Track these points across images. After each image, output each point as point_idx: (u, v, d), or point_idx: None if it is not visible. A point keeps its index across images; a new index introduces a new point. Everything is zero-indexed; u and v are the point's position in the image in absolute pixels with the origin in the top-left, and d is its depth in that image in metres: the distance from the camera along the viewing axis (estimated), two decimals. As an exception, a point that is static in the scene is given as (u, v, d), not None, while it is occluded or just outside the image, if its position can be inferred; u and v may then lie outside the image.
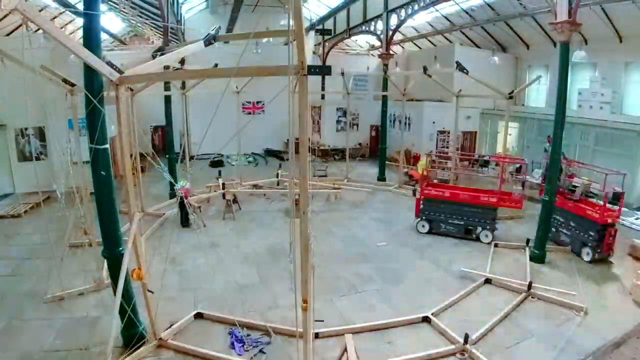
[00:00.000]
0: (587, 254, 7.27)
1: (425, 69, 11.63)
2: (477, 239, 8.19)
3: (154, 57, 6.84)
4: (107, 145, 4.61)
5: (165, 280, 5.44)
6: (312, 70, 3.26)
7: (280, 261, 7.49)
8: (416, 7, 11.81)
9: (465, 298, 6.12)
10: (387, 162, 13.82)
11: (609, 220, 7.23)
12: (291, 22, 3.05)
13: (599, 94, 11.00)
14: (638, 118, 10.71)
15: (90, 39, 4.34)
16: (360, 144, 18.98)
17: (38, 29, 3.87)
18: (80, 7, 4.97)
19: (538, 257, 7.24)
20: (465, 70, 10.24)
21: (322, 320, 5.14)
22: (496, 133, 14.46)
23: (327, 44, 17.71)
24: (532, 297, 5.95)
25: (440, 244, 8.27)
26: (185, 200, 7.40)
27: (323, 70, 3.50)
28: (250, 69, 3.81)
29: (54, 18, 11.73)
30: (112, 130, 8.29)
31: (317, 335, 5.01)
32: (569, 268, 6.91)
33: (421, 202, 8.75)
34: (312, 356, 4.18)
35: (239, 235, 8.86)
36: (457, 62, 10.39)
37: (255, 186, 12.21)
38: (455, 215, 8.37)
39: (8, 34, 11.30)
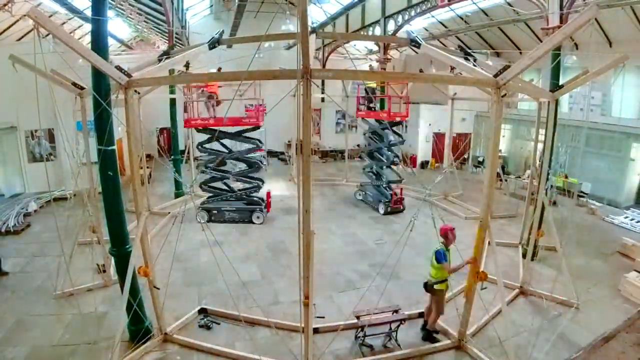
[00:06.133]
0: (381, 208, 10.31)
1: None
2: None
3: (159, 60, 7.03)
4: (115, 147, 4.77)
5: (171, 277, 5.60)
6: (318, 74, 3.46)
7: (280, 258, 7.69)
8: (413, 13, 12.10)
9: (461, 294, 6.30)
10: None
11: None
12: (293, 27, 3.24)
13: (589, 97, 11.32)
14: (626, 120, 11.02)
15: (98, 44, 4.49)
16: (359, 145, 19.26)
17: (48, 34, 4.02)
18: (89, 13, 5.13)
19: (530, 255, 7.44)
20: (460, 73, 10.53)
21: (323, 317, 5.32)
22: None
23: (326, 48, 18.00)
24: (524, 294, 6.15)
25: (435, 243, 8.44)
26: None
27: (328, 75, 3.69)
28: (258, 73, 3.99)
29: (63, 24, 11.96)
30: (119, 132, 8.49)
31: (316, 330, 5.19)
32: (560, 265, 7.12)
33: None
34: (312, 350, 4.35)
35: (241, 233, 9.06)
36: (451, 67, 10.70)
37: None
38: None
39: (19, 39, 11.55)
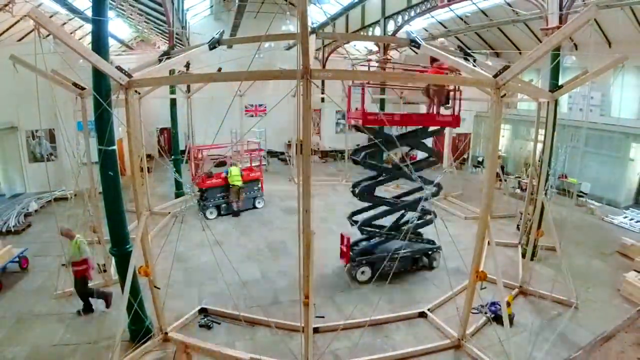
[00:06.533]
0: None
1: (421, 73, 11.91)
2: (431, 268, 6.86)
3: (160, 61, 7.05)
4: (115, 147, 4.79)
5: (171, 276, 5.62)
6: (318, 74, 3.47)
7: (280, 258, 7.71)
8: (412, 13, 12.15)
9: (461, 293, 6.30)
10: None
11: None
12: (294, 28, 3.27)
13: (588, 97, 11.36)
14: (625, 120, 11.04)
15: (99, 44, 4.51)
16: (358, 145, 19.28)
17: (49, 35, 4.03)
18: (89, 13, 5.14)
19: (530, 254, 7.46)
20: (459, 74, 10.55)
21: (323, 317, 5.33)
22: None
23: (326, 49, 18.04)
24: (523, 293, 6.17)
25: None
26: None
27: (328, 75, 3.70)
28: (258, 73, 3.99)
29: (63, 24, 12.00)
30: (120, 132, 8.50)
31: (316, 330, 5.20)
32: (559, 265, 7.14)
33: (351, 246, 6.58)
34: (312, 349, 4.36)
35: (242, 233, 9.08)
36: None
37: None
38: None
39: (20, 39, 11.57)
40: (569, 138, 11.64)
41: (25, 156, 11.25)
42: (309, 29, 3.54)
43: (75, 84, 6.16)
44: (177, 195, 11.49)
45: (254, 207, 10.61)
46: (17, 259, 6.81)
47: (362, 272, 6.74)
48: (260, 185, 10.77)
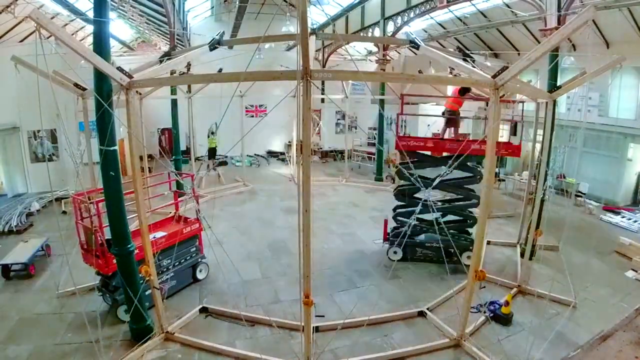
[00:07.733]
0: None
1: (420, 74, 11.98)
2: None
3: (161, 61, 7.09)
4: (116, 147, 4.81)
5: (171, 276, 5.66)
6: (317, 75, 3.51)
7: (281, 258, 7.75)
8: (412, 14, 12.20)
9: (460, 293, 6.34)
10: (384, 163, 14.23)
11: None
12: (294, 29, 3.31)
13: (586, 97, 11.40)
14: (623, 120, 11.09)
15: (100, 45, 4.50)
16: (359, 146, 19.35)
17: (50, 36, 4.05)
18: (91, 14, 5.18)
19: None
20: (457, 74, 10.62)
21: (323, 316, 5.36)
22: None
23: (326, 49, 18.10)
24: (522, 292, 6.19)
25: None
26: None
27: (328, 75, 3.74)
28: (258, 74, 4.01)
29: (65, 25, 12.05)
30: (121, 132, 8.53)
31: (316, 329, 5.23)
32: (558, 264, 7.18)
33: None
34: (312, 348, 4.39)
35: (241, 233, 9.11)
36: (450, 68, 10.78)
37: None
38: None
39: (21, 41, 11.60)
40: (567, 138, 11.69)
41: (27, 156, 11.30)
42: (309, 30, 3.57)
43: (76, 85, 6.19)
44: (178, 196, 11.53)
45: (194, 280, 6.55)
46: (42, 248, 7.29)
47: (395, 252, 7.39)
48: (198, 244, 6.63)
